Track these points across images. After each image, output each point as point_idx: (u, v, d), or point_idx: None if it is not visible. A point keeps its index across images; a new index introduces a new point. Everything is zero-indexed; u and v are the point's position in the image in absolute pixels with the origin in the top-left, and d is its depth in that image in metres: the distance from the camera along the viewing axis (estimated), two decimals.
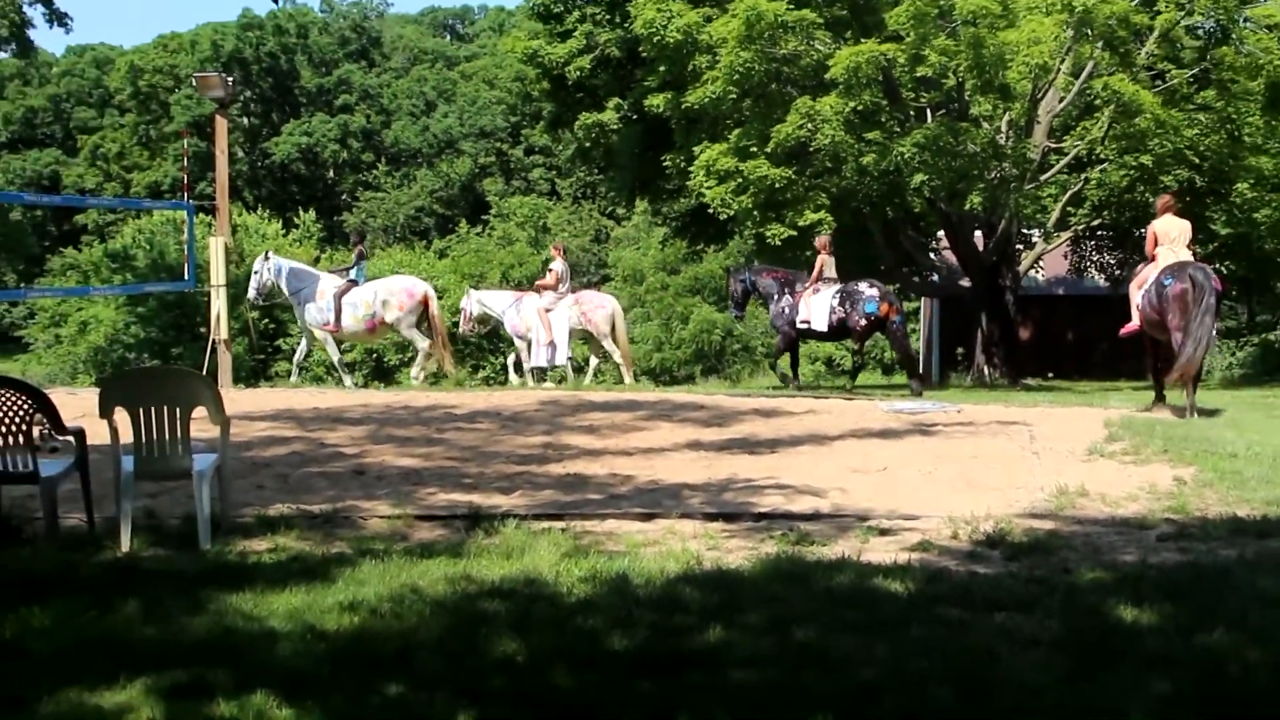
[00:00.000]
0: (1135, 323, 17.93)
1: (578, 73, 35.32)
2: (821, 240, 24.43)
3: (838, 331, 23.50)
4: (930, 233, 33.32)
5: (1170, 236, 17.47)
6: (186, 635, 6.88)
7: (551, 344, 23.56)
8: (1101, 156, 28.91)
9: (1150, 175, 27.61)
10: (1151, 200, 27.11)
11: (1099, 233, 34.78)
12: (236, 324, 31.18)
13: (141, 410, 9.09)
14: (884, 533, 9.41)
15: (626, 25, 32.60)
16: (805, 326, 23.43)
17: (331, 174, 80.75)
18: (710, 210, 30.32)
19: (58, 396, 11.28)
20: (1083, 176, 29.95)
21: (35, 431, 9.35)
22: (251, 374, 39.33)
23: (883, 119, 28.38)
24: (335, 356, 24.55)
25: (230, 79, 23.30)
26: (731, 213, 29.19)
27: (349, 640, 6.76)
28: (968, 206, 28.24)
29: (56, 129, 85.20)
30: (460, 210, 74.17)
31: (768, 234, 28.73)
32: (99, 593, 7.66)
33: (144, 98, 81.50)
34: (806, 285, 23.52)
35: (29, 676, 6.24)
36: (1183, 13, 28.50)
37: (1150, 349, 18.47)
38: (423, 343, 23.48)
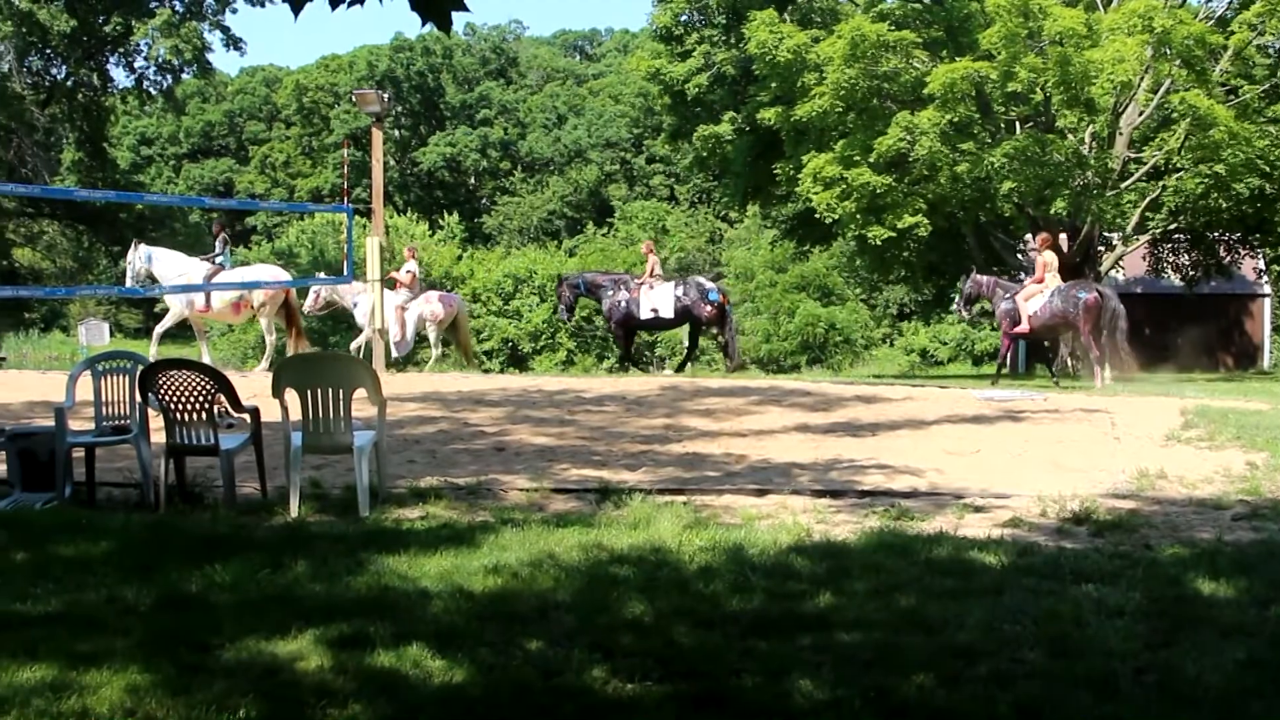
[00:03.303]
0: (1025, 326, 21.97)
1: (696, 89, 35.41)
2: (648, 244, 26.57)
3: (681, 318, 24.46)
4: (1018, 235, 32.90)
5: (1054, 266, 22.20)
6: (349, 592, 6.97)
7: (402, 338, 23.53)
8: (1178, 165, 28.43)
9: (1223, 183, 27.17)
10: (1226, 206, 26.68)
11: (1175, 236, 34.27)
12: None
13: (309, 391, 9.22)
14: (978, 510, 9.33)
15: (741, 46, 32.66)
16: (653, 315, 24.20)
17: (472, 181, 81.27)
18: (816, 214, 30.25)
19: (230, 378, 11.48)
20: (1160, 184, 29.46)
21: (214, 409, 9.52)
22: (401, 359, 39.70)
23: (975, 131, 28.12)
24: (201, 343, 23.60)
25: (385, 95, 23.50)
26: (836, 216, 29.11)
27: (492, 600, 6.81)
28: (1053, 211, 27.94)
29: (231, 141, 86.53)
30: (587, 213, 74.42)
31: (869, 235, 28.61)
32: (272, 553, 7.78)
33: (307, 112, 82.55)
34: (640, 281, 24.45)
35: (213, 626, 6.36)
36: (1254, 33, 28.00)
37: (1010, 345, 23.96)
38: (271, 335, 22.95)
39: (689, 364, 26.15)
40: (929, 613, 6.39)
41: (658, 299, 23.86)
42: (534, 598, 6.82)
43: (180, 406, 9.36)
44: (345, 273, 20.42)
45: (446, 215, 58.10)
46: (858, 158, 28.29)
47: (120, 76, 49.08)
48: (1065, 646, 5.84)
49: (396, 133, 77.22)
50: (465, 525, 8.67)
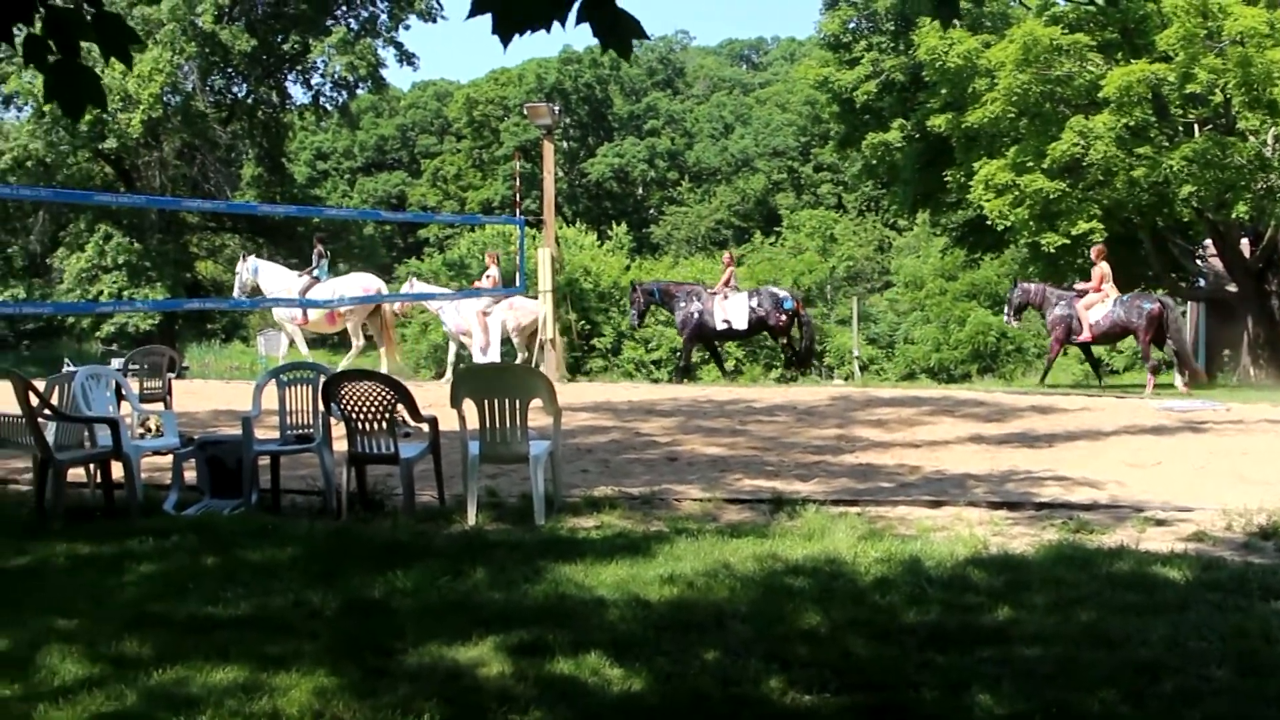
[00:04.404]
0: (1087, 335, 22.56)
1: (865, 96, 35.18)
2: (727, 256, 27.35)
3: (756, 329, 24.77)
4: (1197, 240, 32.06)
5: (1110, 276, 22.67)
6: (527, 600, 7.08)
7: (486, 344, 23.39)
8: None
9: None
10: None
11: None
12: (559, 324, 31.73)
13: (487, 401, 9.38)
14: (1160, 523, 9.14)
15: (910, 52, 32.37)
16: (726, 326, 24.36)
17: (640, 191, 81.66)
18: (988, 221, 29.80)
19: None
20: None
21: (394, 419, 9.72)
22: (569, 369, 40.06)
23: (1152, 134, 27.47)
24: (304, 349, 24.02)
25: (556, 108, 23.75)
26: (1009, 223, 28.64)
27: (668, 609, 6.86)
28: (1234, 216, 27.15)
29: (403, 154, 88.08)
30: (755, 223, 74.22)
31: (1042, 242, 28.12)
32: (451, 560, 7.93)
33: (478, 125, 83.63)
34: (714, 292, 24.74)
35: (396, 631, 6.51)
36: None
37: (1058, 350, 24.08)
38: (359, 340, 23.30)
39: (790, 371, 26.05)
40: (1111, 628, 6.28)
41: (731, 310, 24.07)
42: (710, 607, 6.86)
43: (362, 416, 9.58)
44: (517, 283, 20.70)
45: (615, 225, 58.38)
46: (1030, 163, 27.83)
47: (298, 93, 50.34)
48: (1254, 664, 5.70)
49: (565, 144, 77.94)
50: (640, 535, 8.74)
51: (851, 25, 36.85)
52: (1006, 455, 12.60)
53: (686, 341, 25.18)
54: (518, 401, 9.34)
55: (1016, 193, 27.93)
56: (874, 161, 36.18)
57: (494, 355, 23.29)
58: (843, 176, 70.25)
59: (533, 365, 24.90)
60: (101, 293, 45.46)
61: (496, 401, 9.35)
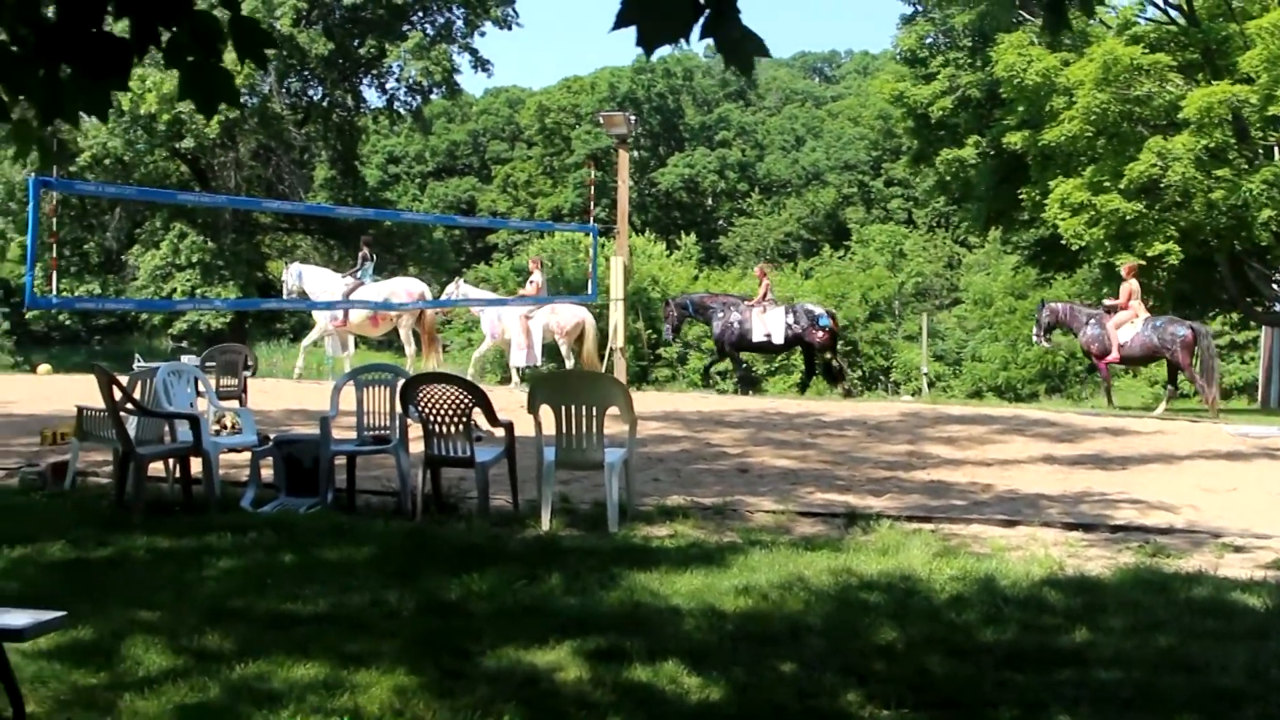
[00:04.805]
0: (1115, 355, 22.16)
1: (940, 112, 35.01)
2: (761, 269, 26.75)
3: (792, 344, 24.78)
4: (1275, 265, 31.71)
5: (1139, 294, 22.47)
6: (602, 606, 7.12)
7: (528, 348, 23.32)
8: None
9: None
10: None
11: None
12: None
13: (564, 408, 9.43)
14: (1238, 549, 9.05)
15: (987, 69, 32.18)
16: (765, 339, 24.36)
17: (710, 202, 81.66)
18: (1062, 240, 29.60)
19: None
20: None
21: (471, 423, 9.79)
22: (635, 378, 40.15)
23: (1231, 156, 27.20)
24: (342, 353, 24.27)
25: (631, 118, 23.81)
26: (1083, 243, 28.45)
27: (743, 620, 6.88)
28: None
29: (474, 160, 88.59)
30: (824, 236, 74.07)
31: (1117, 263, 27.87)
32: (526, 564, 7.98)
33: (549, 133, 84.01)
34: (752, 304, 24.70)
35: (473, 633, 6.57)
36: None
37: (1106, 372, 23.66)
38: (411, 345, 23.37)
39: (808, 387, 25.93)
40: (1190, 653, 6.24)
41: (770, 323, 24.09)
42: (784, 620, 6.87)
43: (439, 419, 9.65)
44: (590, 291, 20.77)
45: (683, 235, 58.44)
46: (1107, 183, 27.63)
47: (372, 97, 50.76)
48: None
49: (636, 153, 78.10)
50: (714, 545, 8.76)
51: (929, 40, 36.73)
52: (1080, 476, 12.52)
53: (723, 352, 25.22)
54: (595, 408, 9.38)
55: (1092, 212, 27.75)
56: (948, 178, 36.01)
57: (534, 359, 23.39)
58: (914, 192, 69.96)
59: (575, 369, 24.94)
60: (175, 290, 46.04)
61: (574, 408, 9.40)
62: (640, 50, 3.12)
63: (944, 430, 16.29)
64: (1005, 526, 9.74)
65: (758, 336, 24.25)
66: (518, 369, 23.37)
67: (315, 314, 24.10)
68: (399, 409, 10.10)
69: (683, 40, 2.84)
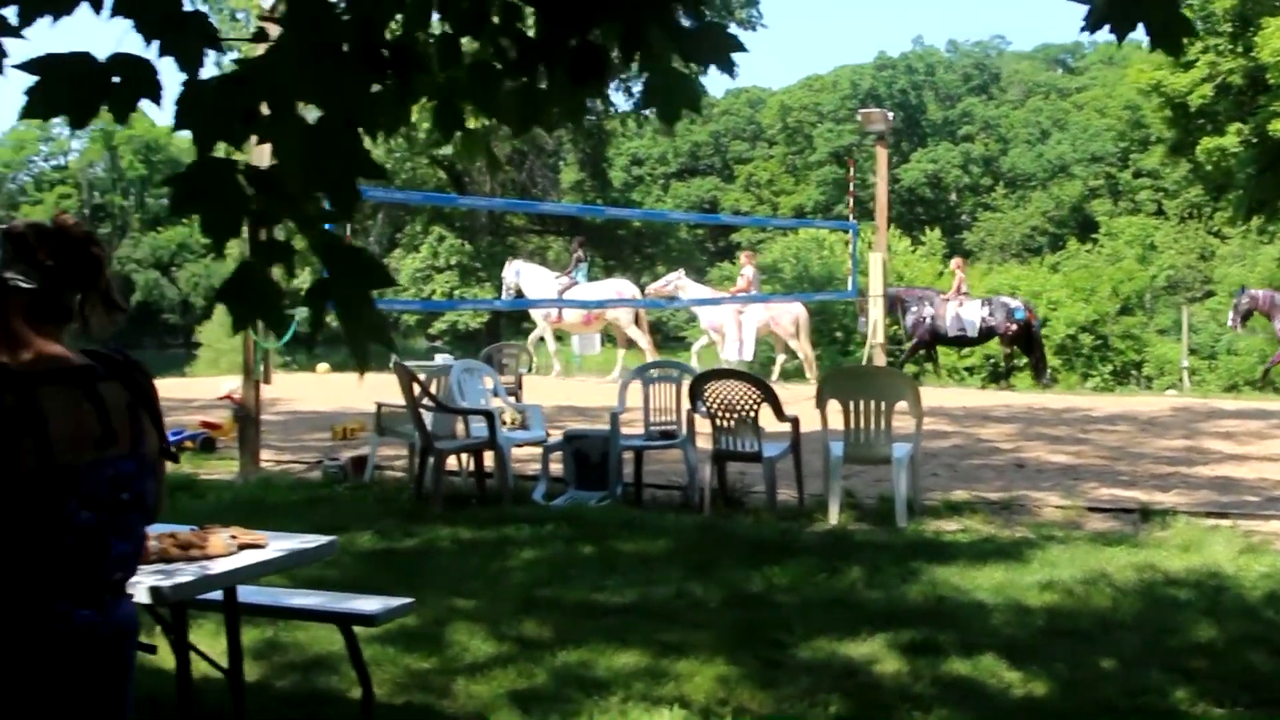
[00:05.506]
0: None
1: (1200, 100, 33.87)
2: (957, 260, 26.39)
3: (986, 337, 24.19)
4: None
5: None
6: (907, 600, 7.10)
7: (740, 343, 22.74)
8: None
9: None
10: None
11: None
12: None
13: (853, 403, 9.41)
14: None
15: (1250, 54, 31.00)
16: (960, 333, 23.88)
17: (953, 197, 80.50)
18: None
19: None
20: None
21: (758, 418, 9.84)
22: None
23: None
24: (552, 346, 24.34)
25: (889, 114, 23.62)
26: None
27: (1050, 615, 6.79)
28: None
29: (716, 160, 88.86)
30: (1070, 229, 72.26)
31: None
32: (823, 558, 8.00)
33: (791, 132, 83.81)
34: (946, 298, 24.13)
35: (782, 625, 6.62)
36: None
37: None
38: (643, 340, 23.17)
39: (1007, 378, 25.13)
40: None
41: (964, 317, 23.43)
42: (1092, 615, 6.76)
43: (727, 415, 9.73)
44: (850, 288, 20.65)
45: (927, 231, 57.72)
46: None
47: (619, 101, 51.27)
48: None
49: (877, 149, 77.38)
50: (1008, 540, 8.65)
51: None
52: None
53: (915, 346, 24.78)
54: (884, 404, 9.34)
55: None
56: (1208, 167, 34.84)
57: (747, 354, 23.20)
58: (1163, 183, 67.87)
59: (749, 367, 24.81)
60: (434, 291, 47.28)
61: (863, 403, 9.37)
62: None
63: (1219, 425, 15.73)
64: None
65: (951, 330, 23.85)
66: (729, 364, 23.32)
67: (533, 313, 24.51)
68: (686, 405, 10.20)
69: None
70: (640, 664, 6.02)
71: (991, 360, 32.15)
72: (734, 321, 23.12)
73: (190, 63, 2.48)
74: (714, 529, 9.02)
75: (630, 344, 23.54)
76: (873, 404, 9.32)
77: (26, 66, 2.42)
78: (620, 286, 24.21)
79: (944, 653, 6.06)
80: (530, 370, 23.72)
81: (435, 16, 2.76)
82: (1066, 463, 12.40)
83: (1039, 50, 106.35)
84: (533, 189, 48.87)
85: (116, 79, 2.46)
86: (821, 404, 9.52)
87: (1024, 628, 6.53)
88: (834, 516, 9.31)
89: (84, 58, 2.47)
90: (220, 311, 53.27)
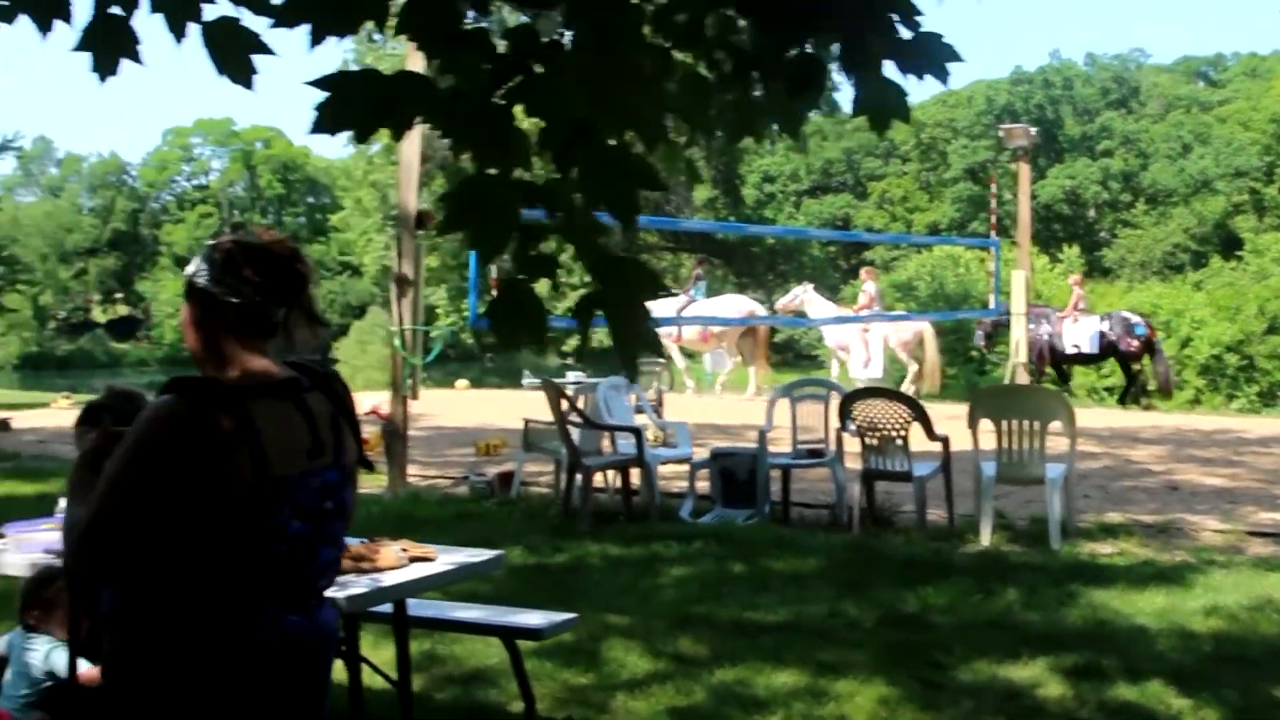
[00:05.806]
0: None
1: None
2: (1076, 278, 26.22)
3: (1105, 354, 23.81)
4: None
5: None
6: (1066, 623, 6.99)
7: (867, 359, 22.25)
8: None
9: None
10: None
11: None
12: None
13: (1005, 422, 9.29)
14: None
15: None
16: (1075, 351, 23.49)
17: (1092, 213, 79.21)
18: None
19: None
20: None
21: (907, 437, 9.75)
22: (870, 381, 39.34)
23: None
24: (681, 363, 24.32)
25: (1032, 130, 23.32)
26: None
27: (1217, 641, 6.64)
28: None
29: (848, 177, 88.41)
30: (1212, 246, 70.82)
31: None
32: (977, 579, 7.90)
33: (925, 148, 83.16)
34: (1063, 315, 23.75)
35: (940, 646, 6.55)
36: None
37: None
38: (735, 357, 23.27)
39: (1128, 397, 24.40)
40: None
41: (1080, 333, 22.95)
42: (1261, 642, 6.61)
43: (877, 433, 9.67)
44: (993, 305, 20.43)
45: (1065, 248, 56.91)
46: None
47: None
48: None
49: (1013, 165, 76.49)
50: (1167, 564, 8.48)
51: None
52: None
53: (1034, 364, 24.36)
54: (1037, 424, 9.21)
55: None
56: None
57: (875, 371, 22.87)
58: None
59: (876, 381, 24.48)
60: (568, 309, 47.54)
61: (1016, 423, 9.25)
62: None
63: None
64: None
65: (1067, 348, 23.45)
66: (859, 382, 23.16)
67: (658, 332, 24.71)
68: (836, 423, 10.15)
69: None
70: (799, 683, 6.00)
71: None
72: (859, 339, 22.99)
73: (472, 80, 2.53)
74: (865, 548, 8.96)
75: (756, 359, 23.61)
76: (1026, 423, 9.20)
77: (319, 83, 2.50)
78: (739, 303, 24.27)
79: (1108, 678, 5.96)
80: (671, 388, 23.81)
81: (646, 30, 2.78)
82: (1222, 485, 12.13)
83: (1179, 63, 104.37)
84: (666, 206, 48.96)
85: (394, 96, 2.52)
86: (973, 423, 9.41)
87: (1190, 654, 6.40)
88: (986, 537, 9.19)
89: (372, 74, 2.55)
90: (358, 329, 54.11)
